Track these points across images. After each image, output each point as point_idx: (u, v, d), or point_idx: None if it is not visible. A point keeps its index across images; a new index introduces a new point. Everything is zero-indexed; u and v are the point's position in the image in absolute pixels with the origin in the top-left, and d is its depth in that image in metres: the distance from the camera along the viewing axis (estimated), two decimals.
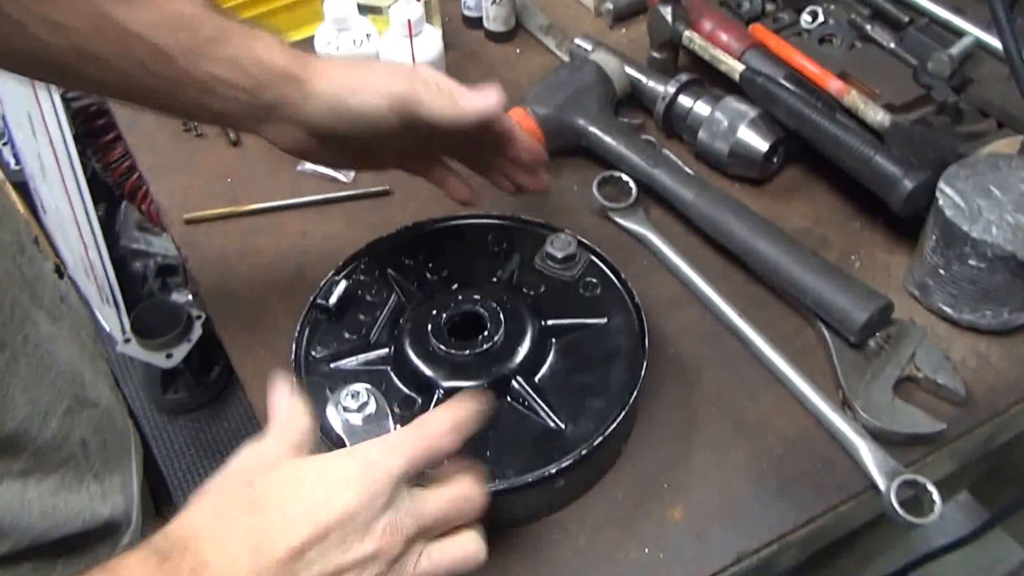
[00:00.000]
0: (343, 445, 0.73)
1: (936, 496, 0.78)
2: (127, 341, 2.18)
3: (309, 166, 1.14)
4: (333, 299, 0.88)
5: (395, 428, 0.74)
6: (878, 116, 1.01)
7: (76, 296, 0.90)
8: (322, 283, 0.89)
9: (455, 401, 0.66)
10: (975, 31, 1.09)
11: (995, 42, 1.05)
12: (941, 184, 0.89)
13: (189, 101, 0.78)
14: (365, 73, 0.81)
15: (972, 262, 0.86)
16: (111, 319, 2.30)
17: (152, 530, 0.66)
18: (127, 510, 0.87)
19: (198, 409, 2.35)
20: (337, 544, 0.56)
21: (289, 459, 0.61)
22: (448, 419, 0.64)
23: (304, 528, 0.56)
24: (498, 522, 0.79)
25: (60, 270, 0.87)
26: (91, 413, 0.80)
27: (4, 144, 2.41)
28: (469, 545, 0.65)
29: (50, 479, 0.73)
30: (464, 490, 0.64)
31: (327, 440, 0.78)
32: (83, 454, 0.78)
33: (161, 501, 1.17)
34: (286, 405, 0.66)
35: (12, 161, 2.39)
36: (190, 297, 2.33)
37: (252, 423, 2.51)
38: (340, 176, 1.12)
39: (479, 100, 0.80)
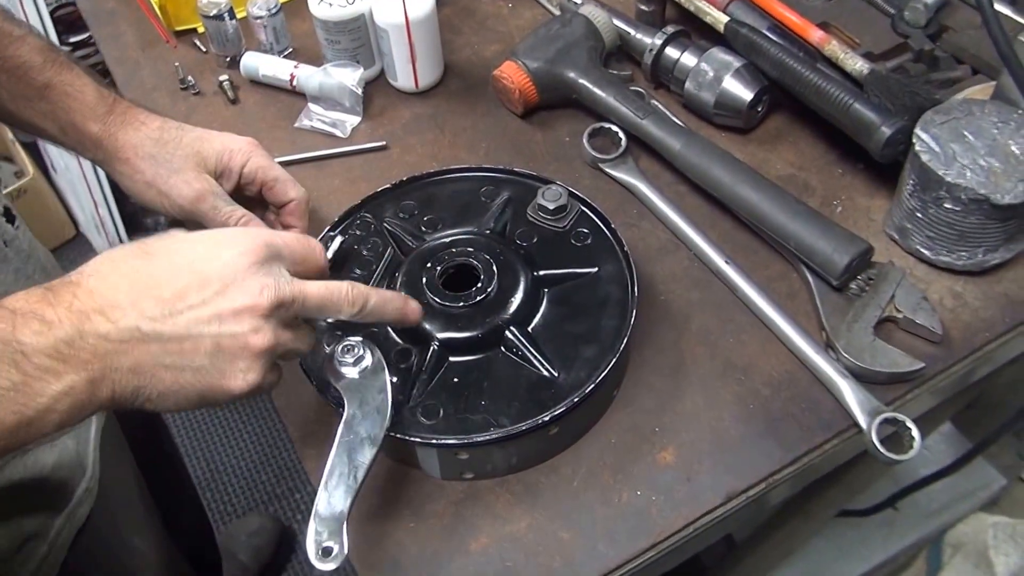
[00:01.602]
0: (341, 398, 0.72)
1: (916, 433, 0.77)
2: None
3: (307, 122, 1.12)
4: (330, 254, 0.86)
5: (392, 380, 0.73)
6: (857, 65, 0.98)
7: (28, 244, 0.88)
8: (319, 238, 0.87)
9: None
10: None
11: None
12: (917, 130, 0.86)
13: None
14: (166, 176, 0.84)
15: (947, 205, 0.85)
16: None
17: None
18: (80, 457, 0.87)
19: None
20: (217, 292, 0.60)
21: (188, 235, 0.65)
22: (313, 240, 0.71)
23: (188, 273, 0.60)
24: (495, 470, 0.79)
25: (10, 214, 0.86)
26: None
27: None
28: (307, 337, 0.69)
29: None
30: (342, 285, 0.68)
31: (326, 393, 0.77)
32: None
33: (160, 463, 1.17)
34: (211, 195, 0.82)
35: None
36: None
37: None
38: (337, 132, 1.10)
39: (247, 219, 0.85)
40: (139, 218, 2.36)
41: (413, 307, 0.75)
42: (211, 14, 1.14)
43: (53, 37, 1.82)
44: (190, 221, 0.85)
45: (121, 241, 2.21)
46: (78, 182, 2.20)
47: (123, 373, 0.58)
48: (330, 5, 1.08)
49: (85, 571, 0.88)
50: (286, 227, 0.90)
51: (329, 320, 0.80)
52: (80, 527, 0.86)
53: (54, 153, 2.33)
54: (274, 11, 1.15)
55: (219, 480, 2.15)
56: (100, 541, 0.90)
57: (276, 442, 2.19)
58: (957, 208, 0.84)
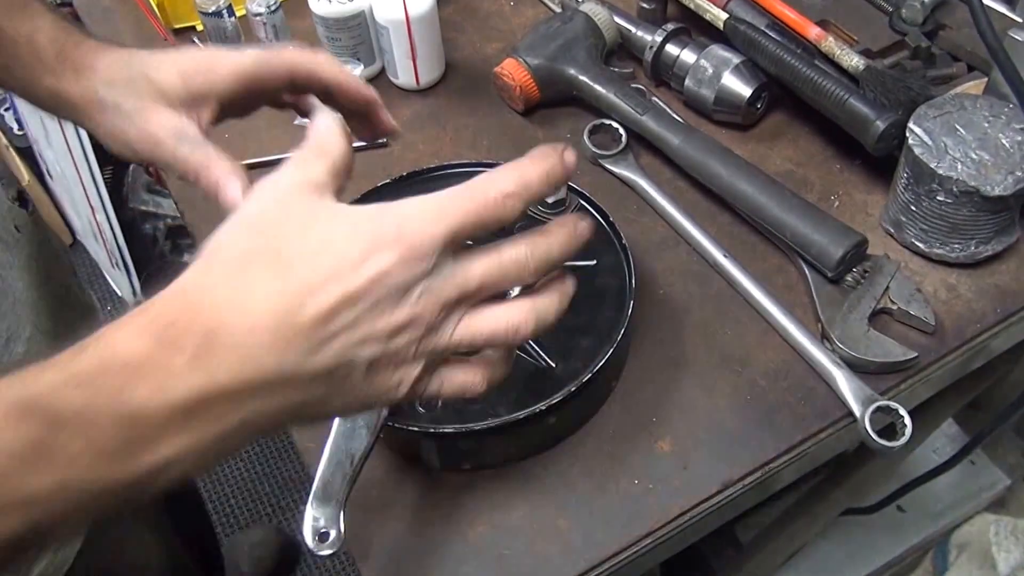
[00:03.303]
0: None
1: (907, 420, 0.79)
2: (139, 304, 2.18)
3: (307, 119, 1.15)
4: None
5: None
6: (854, 61, 1.01)
7: (41, 230, 0.87)
8: None
9: (524, 159, 0.53)
10: None
11: None
12: (911, 124, 0.90)
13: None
14: (120, 125, 0.69)
15: (940, 198, 0.88)
16: (122, 283, 2.29)
17: None
18: None
19: None
20: (368, 311, 0.48)
21: (313, 204, 0.50)
22: (511, 180, 0.51)
23: (335, 290, 0.47)
24: (493, 459, 0.82)
25: (23, 199, 0.85)
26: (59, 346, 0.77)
27: (7, 110, 2.40)
28: (515, 314, 0.53)
29: None
30: (518, 253, 0.52)
31: None
32: None
33: None
34: (325, 128, 0.55)
35: (15, 126, 2.38)
36: None
37: None
38: None
39: (231, 168, 0.68)
40: (138, 224, 2.37)
41: (583, 226, 0.57)
42: (210, 11, 1.17)
43: None
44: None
45: (119, 248, 2.22)
46: (74, 187, 2.22)
47: (265, 418, 0.48)
48: (330, 2, 1.12)
49: (99, 561, 0.89)
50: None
51: None
52: (89, 525, 0.88)
53: (50, 159, 2.36)
54: (273, 8, 1.18)
55: (223, 491, 2.17)
56: (110, 538, 0.91)
57: (280, 454, 2.21)
58: (949, 200, 0.87)
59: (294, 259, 0.47)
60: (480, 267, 0.51)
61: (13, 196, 0.85)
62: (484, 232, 0.51)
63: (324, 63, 0.69)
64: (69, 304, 0.87)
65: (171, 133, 0.66)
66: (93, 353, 0.45)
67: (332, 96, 0.71)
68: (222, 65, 0.67)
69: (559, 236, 0.55)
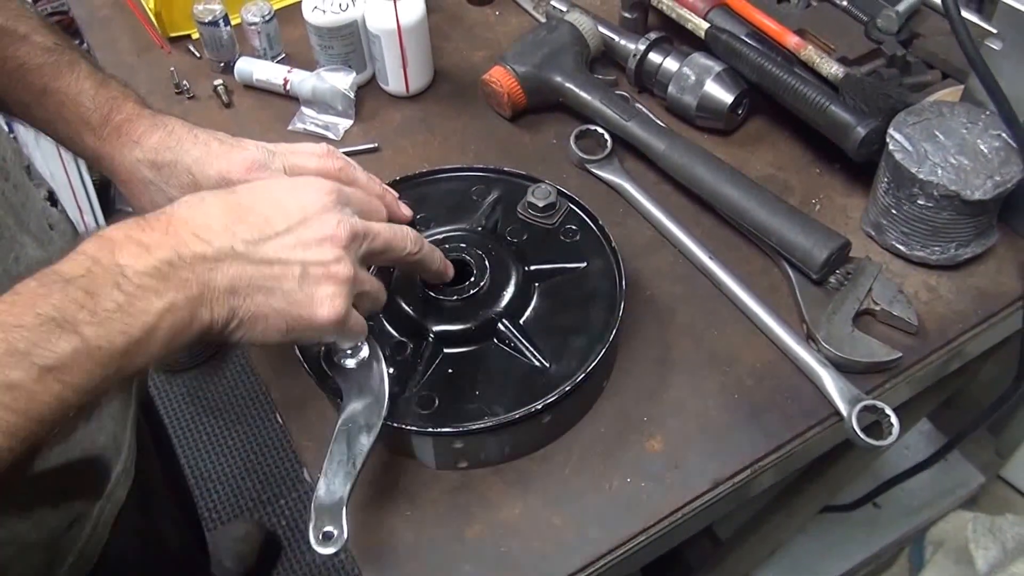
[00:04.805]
0: (339, 389, 0.75)
1: (894, 419, 0.80)
2: None
3: (300, 125, 1.15)
4: None
5: (387, 372, 0.76)
6: (833, 69, 1.02)
7: (70, 227, 0.89)
8: None
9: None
10: None
11: None
12: (891, 130, 0.90)
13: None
14: (162, 206, 0.77)
15: (920, 202, 0.89)
16: None
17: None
18: (118, 439, 0.88)
19: (196, 367, 2.34)
20: (300, 222, 0.64)
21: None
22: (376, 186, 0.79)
23: (271, 204, 0.65)
24: (489, 458, 0.82)
25: (54, 198, 0.86)
26: None
27: None
28: (379, 284, 0.72)
29: None
30: (402, 227, 0.73)
31: (325, 384, 0.80)
32: None
33: (165, 458, 1.19)
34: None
35: (6, 128, 2.36)
36: None
37: (250, 380, 2.51)
38: (330, 134, 1.13)
39: None
40: None
41: (449, 263, 0.81)
42: (206, 20, 1.17)
43: None
44: None
45: None
46: (63, 190, 2.21)
47: (220, 292, 0.60)
48: (323, 12, 1.12)
49: (123, 554, 0.90)
50: None
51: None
52: (118, 510, 0.88)
53: (39, 162, 2.34)
54: (268, 18, 1.18)
55: (204, 486, 2.16)
56: (134, 523, 0.92)
57: (261, 448, 2.21)
58: (930, 204, 0.88)
59: (242, 189, 0.66)
60: (379, 224, 0.70)
61: (44, 196, 0.85)
62: (368, 211, 0.72)
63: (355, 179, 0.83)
64: None
65: None
66: (91, 239, 0.57)
67: None
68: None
69: (435, 250, 0.78)
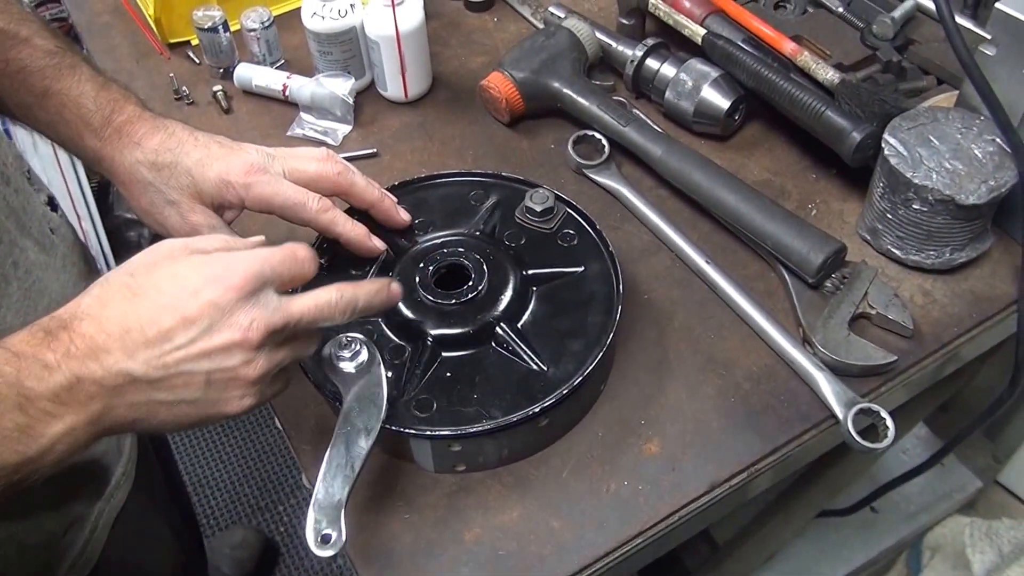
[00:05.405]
0: (338, 392, 0.75)
1: (889, 422, 0.81)
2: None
3: (299, 131, 1.15)
4: (325, 256, 0.89)
5: (386, 375, 0.76)
6: (828, 75, 1.03)
7: (71, 232, 0.89)
8: (314, 240, 0.90)
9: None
10: None
11: (932, 6, 1.07)
12: (886, 135, 0.91)
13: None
14: (161, 207, 0.81)
15: (915, 206, 0.89)
16: None
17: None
18: (119, 441, 0.89)
19: None
20: (204, 331, 0.61)
21: (178, 257, 0.64)
22: (308, 250, 0.69)
23: (173, 314, 0.61)
24: (487, 462, 0.82)
25: (53, 203, 0.87)
26: None
27: None
28: (309, 342, 0.71)
29: None
30: (329, 295, 0.68)
31: (323, 388, 0.80)
32: None
33: (163, 463, 1.19)
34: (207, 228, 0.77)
35: (5, 135, 2.37)
36: None
37: None
38: (329, 140, 1.13)
39: None
40: (123, 232, 2.37)
41: (394, 289, 0.76)
42: (206, 27, 1.17)
43: None
44: None
45: (104, 256, 2.22)
46: (62, 197, 2.21)
47: (121, 410, 0.60)
48: (323, 18, 1.12)
49: (123, 555, 0.90)
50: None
51: None
52: (117, 513, 0.88)
53: (38, 168, 2.35)
54: (267, 24, 1.19)
55: (203, 493, 2.16)
56: (133, 526, 0.92)
57: (259, 455, 2.21)
58: (924, 209, 0.89)
59: (144, 291, 0.61)
60: (298, 304, 0.66)
61: (45, 200, 0.85)
62: (295, 279, 0.67)
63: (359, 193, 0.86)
64: None
65: (207, 227, 0.80)
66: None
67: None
68: (257, 190, 0.80)
69: (368, 288, 0.72)
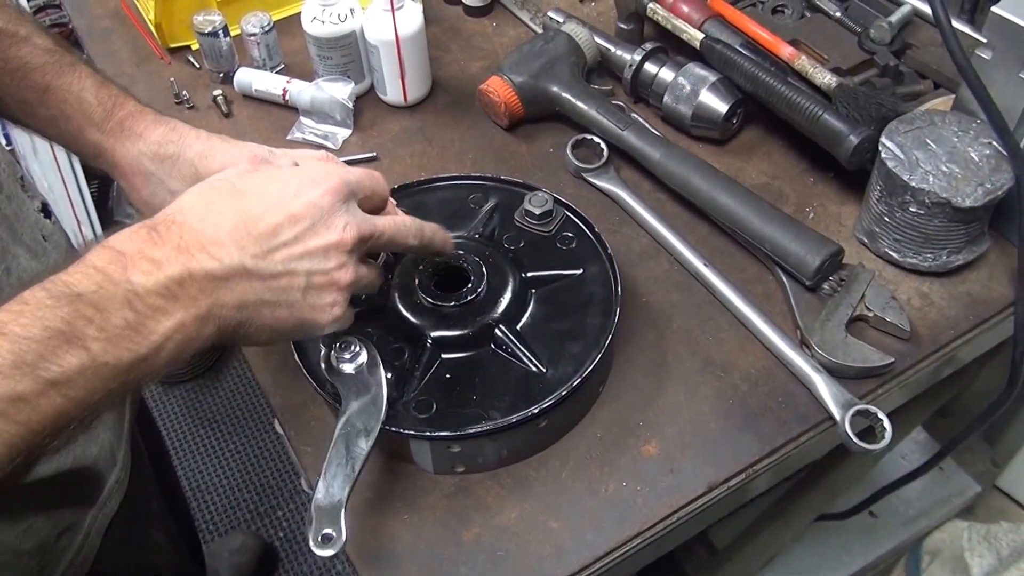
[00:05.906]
0: (338, 393, 0.76)
1: (886, 423, 0.81)
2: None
3: (299, 135, 1.16)
4: None
5: (386, 377, 0.77)
6: (826, 79, 1.03)
7: (64, 239, 0.89)
8: None
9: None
10: (912, 0, 1.12)
11: (929, 10, 1.08)
12: (883, 139, 0.92)
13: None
14: (163, 197, 0.80)
15: (912, 209, 0.90)
16: None
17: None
18: (113, 449, 0.89)
19: (194, 379, 2.34)
20: (307, 229, 0.64)
21: (268, 165, 0.70)
22: (376, 172, 0.74)
23: (279, 211, 0.63)
24: (486, 463, 0.82)
25: (47, 210, 0.87)
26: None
27: None
28: (377, 272, 0.74)
29: None
30: (406, 220, 0.74)
31: (324, 389, 0.80)
32: None
33: (161, 469, 1.19)
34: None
35: (3, 140, 2.37)
36: None
37: (247, 392, 2.49)
38: (328, 144, 1.14)
39: None
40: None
41: (448, 236, 0.80)
42: (206, 31, 1.18)
43: None
44: None
45: None
46: (61, 201, 2.21)
47: (228, 309, 0.61)
48: (322, 23, 1.13)
49: (115, 562, 0.90)
50: None
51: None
52: (110, 519, 0.88)
53: (37, 173, 2.35)
54: (267, 29, 1.19)
55: (201, 498, 2.16)
56: (127, 534, 0.92)
57: (259, 460, 2.20)
58: (921, 212, 0.89)
59: (248, 191, 0.64)
60: (381, 219, 0.70)
61: (38, 207, 0.86)
62: (373, 195, 0.71)
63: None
64: None
65: None
66: (101, 250, 0.57)
67: None
68: None
69: (432, 226, 0.77)
